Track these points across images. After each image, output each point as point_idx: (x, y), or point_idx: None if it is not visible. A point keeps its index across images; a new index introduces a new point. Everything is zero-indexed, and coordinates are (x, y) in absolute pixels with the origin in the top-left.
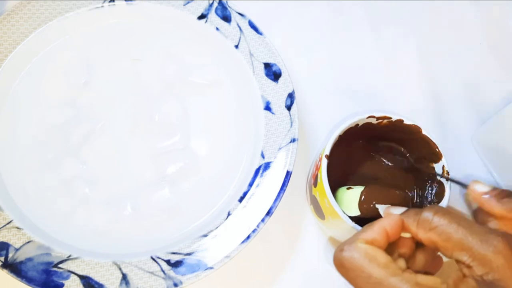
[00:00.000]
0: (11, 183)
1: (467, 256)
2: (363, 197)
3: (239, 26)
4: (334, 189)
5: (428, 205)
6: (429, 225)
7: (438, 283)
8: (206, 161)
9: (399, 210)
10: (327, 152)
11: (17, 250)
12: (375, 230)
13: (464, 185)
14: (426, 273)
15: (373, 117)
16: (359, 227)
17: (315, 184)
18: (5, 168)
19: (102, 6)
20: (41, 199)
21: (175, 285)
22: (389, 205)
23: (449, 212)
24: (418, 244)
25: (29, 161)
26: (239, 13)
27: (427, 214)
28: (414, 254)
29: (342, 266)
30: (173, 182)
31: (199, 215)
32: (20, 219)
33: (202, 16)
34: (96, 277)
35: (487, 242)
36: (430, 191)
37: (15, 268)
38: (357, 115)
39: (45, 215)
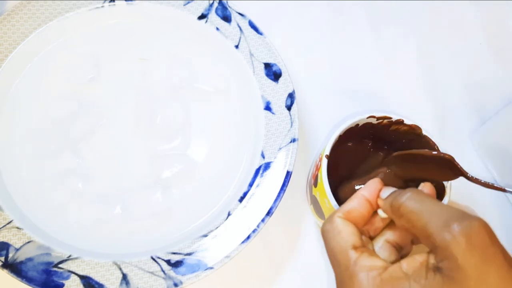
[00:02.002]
0: (11, 182)
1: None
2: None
3: (239, 26)
4: (334, 189)
5: None
6: (399, 212)
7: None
8: (206, 163)
9: (387, 190)
10: (327, 152)
11: (17, 250)
12: (354, 200)
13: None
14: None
15: (373, 117)
16: None
17: (315, 184)
18: (5, 167)
19: (102, 6)
20: (35, 190)
21: (175, 285)
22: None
23: (418, 197)
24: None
25: (28, 157)
26: (239, 13)
27: (399, 198)
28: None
29: (322, 237)
30: (169, 186)
31: (199, 215)
32: (20, 219)
33: (202, 16)
34: (96, 277)
35: (449, 227)
36: None
37: (15, 268)
38: (357, 115)
39: (37, 207)
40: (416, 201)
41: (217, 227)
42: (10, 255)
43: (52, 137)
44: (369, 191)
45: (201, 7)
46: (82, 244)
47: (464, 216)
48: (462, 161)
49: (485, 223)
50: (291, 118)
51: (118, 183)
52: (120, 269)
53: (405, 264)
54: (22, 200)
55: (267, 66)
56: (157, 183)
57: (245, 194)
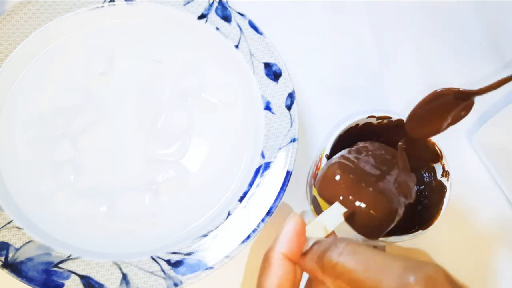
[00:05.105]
0: (11, 182)
1: None
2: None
3: (239, 26)
4: None
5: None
6: (334, 272)
7: None
8: (201, 171)
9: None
10: (327, 152)
11: (17, 250)
12: (274, 270)
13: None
14: None
15: (373, 117)
16: None
17: (315, 184)
18: (6, 167)
19: (102, 6)
20: (29, 178)
21: (175, 285)
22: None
23: (356, 250)
24: None
25: (28, 150)
26: (239, 13)
27: (331, 255)
28: None
29: None
30: (159, 192)
31: (199, 215)
32: (20, 219)
33: (202, 16)
34: (96, 277)
35: (406, 281)
36: (430, 190)
37: (15, 268)
38: (357, 115)
39: (35, 204)
40: (356, 256)
41: (217, 227)
42: (10, 255)
43: (53, 128)
44: (289, 247)
45: (201, 7)
46: (82, 244)
47: (418, 265)
48: (462, 161)
49: (442, 269)
50: (291, 118)
51: (109, 181)
52: (120, 269)
53: None
54: (22, 200)
55: (267, 66)
56: (148, 187)
57: (245, 194)
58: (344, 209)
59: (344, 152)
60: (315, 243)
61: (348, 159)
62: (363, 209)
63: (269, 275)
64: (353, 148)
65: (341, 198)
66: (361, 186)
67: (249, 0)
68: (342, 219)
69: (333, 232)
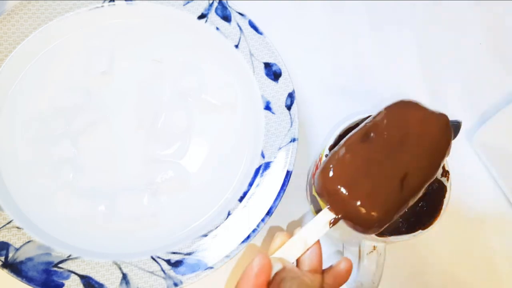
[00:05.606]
0: (11, 182)
1: None
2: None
3: (239, 26)
4: None
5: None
6: None
7: None
8: (201, 171)
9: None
10: (327, 152)
11: (17, 250)
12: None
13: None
14: None
15: None
16: None
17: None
18: (6, 167)
19: (102, 6)
20: (29, 176)
21: (175, 284)
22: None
23: None
24: None
25: (28, 148)
26: (239, 13)
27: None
28: None
29: None
30: (158, 192)
31: (199, 215)
32: (20, 219)
33: (202, 16)
34: (96, 276)
35: None
36: (430, 190)
37: (15, 268)
38: (357, 115)
39: (34, 203)
40: None
41: (217, 227)
42: (10, 255)
43: (53, 128)
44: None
45: (201, 7)
46: (82, 244)
47: None
48: (462, 161)
49: None
50: (291, 118)
51: (109, 181)
52: (120, 268)
53: None
54: (22, 200)
55: (267, 65)
56: (148, 187)
57: (245, 193)
58: (332, 216)
59: (351, 134)
60: (276, 274)
61: (351, 146)
62: (357, 208)
63: None
64: (362, 128)
65: (328, 206)
66: (359, 181)
67: (249, 0)
68: (327, 228)
69: (318, 242)
